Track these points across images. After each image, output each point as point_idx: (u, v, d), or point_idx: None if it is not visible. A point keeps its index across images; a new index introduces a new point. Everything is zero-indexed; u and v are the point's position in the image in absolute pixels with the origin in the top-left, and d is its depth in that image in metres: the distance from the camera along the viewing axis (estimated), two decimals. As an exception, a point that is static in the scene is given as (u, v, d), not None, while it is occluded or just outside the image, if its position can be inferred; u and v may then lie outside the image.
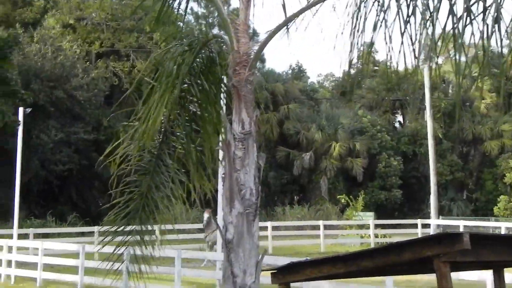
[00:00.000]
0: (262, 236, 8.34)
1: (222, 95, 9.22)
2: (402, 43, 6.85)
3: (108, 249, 10.18)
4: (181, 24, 9.80)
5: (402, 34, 6.83)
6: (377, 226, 38.54)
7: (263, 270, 7.57)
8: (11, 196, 32.00)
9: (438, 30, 6.68)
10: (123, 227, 9.75)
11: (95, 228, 33.47)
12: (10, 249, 25.53)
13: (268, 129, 50.17)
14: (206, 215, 28.67)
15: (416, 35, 6.83)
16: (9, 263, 24.61)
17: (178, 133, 9.31)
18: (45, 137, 43.64)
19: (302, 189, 53.53)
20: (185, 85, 9.02)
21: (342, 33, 7.29)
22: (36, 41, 46.71)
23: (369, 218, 39.16)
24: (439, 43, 6.69)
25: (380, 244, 31.49)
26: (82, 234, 35.95)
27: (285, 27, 8.10)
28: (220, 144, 8.41)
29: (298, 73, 64.91)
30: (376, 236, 37.29)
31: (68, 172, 44.93)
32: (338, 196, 44.22)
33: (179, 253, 19.42)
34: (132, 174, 9.50)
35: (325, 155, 51.79)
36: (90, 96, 46.71)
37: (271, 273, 7.07)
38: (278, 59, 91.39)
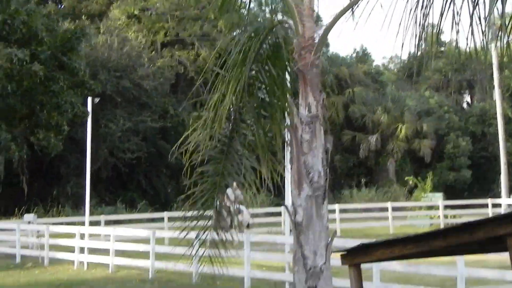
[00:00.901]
0: (330, 219, 8.40)
1: (288, 80, 9.25)
2: (471, 24, 6.77)
3: (178, 234, 10.35)
4: (245, 11, 9.84)
5: (471, 15, 6.75)
6: (446, 207, 38.14)
7: (333, 252, 7.61)
8: (82, 184, 32.64)
9: (508, 9, 6.60)
10: (194, 212, 9.88)
11: (165, 214, 33.95)
12: (82, 236, 26.05)
13: (333, 112, 50.00)
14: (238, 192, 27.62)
15: (484, 14, 6.76)
16: (81, 249, 25.13)
17: (247, 120, 9.36)
18: (113, 126, 44.32)
19: (369, 172, 53.24)
20: (253, 72, 9.08)
21: (409, 13, 7.26)
22: (102, 32, 47.39)
23: (438, 199, 38.74)
24: (507, 21, 6.61)
25: (450, 225, 31.09)
26: (152, 220, 36.47)
27: (350, 10, 8.09)
28: (287, 128, 8.45)
29: (363, 56, 64.41)
30: (445, 217, 36.91)
31: (136, 160, 45.57)
32: (406, 178, 43.86)
33: (248, 236, 19.60)
34: (203, 164, 9.59)
35: (391, 137, 51.42)
36: (156, 85, 47.19)
37: (341, 255, 7.11)
38: (342, 43, 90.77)
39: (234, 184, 28.89)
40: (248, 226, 26.18)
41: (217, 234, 9.84)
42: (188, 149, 9.11)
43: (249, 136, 9.29)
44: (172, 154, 9.63)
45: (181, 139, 9.09)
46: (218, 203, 9.67)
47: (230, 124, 9.45)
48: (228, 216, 26.69)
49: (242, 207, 27.48)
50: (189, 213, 9.91)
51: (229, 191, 27.43)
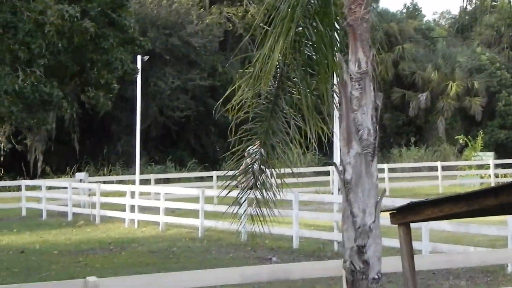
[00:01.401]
0: (379, 178, 8.36)
1: (336, 37, 9.09)
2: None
3: (226, 193, 10.34)
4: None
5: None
6: (497, 166, 37.68)
7: (382, 211, 7.51)
8: (132, 143, 32.93)
9: None
10: (240, 172, 9.85)
11: (214, 173, 34.11)
12: (133, 194, 26.31)
13: (382, 70, 49.47)
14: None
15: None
16: (132, 207, 25.38)
17: (293, 78, 9.26)
18: (162, 84, 44.54)
19: (419, 130, 52.77)
20: (300, 28, 8.94)
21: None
22: (151, -11, 47.41)
23: (489, 158, 38.25)
24: None
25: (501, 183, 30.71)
26: (201, 178, 36.74)
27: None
28: (336, 85, 8.33)
29: (413, 11, 63.44)
30: (496, 176, 36.48)
31: (185, 118, 45.81)
32: (456, 137, 43.37)
33: (296, 196, 19.56)
34: (249, 121, 9.55)
35: (441, 95, 50.76)
36: (205, 42, 47.18)
37: (390, 214, 7.00)
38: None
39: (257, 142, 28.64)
40: None
41: (260, 193, 9.80)
42: (233, 106, 9.06)
43: (294, 95, 9.18)
44: (217, 111, 9.58)
45: (225, 95, 9.04)
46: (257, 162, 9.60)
47: (276, 82, 9.36)
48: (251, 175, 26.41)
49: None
50: (233, 172, 9.89)
51: (250, 149, 27.32)
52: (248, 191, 9.88)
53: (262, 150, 25.05)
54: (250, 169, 9.85)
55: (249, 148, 25.00)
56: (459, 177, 37.17)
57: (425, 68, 51.47)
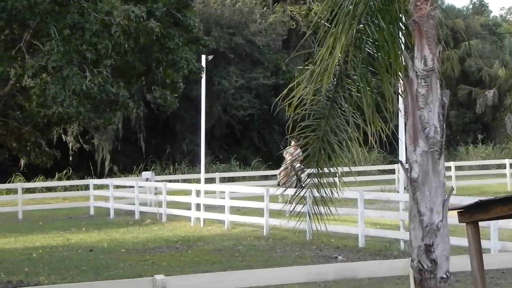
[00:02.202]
0: (446, 176, 8.26)
1: (399, 35, 9.02)
2: None
3: (291, 191, 10.34)
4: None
5: None
6: None
7: (449, 210, 7.43)
8: (197, 142, 33.18)
9: None
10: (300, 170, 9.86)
11: (278, 171, 34.08)
12: (198, 193, 26.51)
13: (448, 66, 48.82)
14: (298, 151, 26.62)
15: None
16: (198, 206, 25.58)
17: (353, 75, 9.22)
18: (226, 83, 44.75)
19: (486, 128, 51.92)
20: (361, 25, 8.90)
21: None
22: (215, -11, 47.69)
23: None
24: None
25: None
26: (265, 177, 36.81)
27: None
28: (400, 83, 8.26)
29: (480, 7, 62.44)
30: None
31: (249, 117, 45.93)
32: (524, 134, 42.57)
33: (361, 194, 19.44)
34: (309, 118, 9.53)
35: (509, 92, 49.87)
36: (268, 41, 47.24)
37: (458, 212, 6.93)
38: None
39: (293, 142, 28.30)
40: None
41: (318, 191, 9.78)
42: (293, 102, 9.07)
43: (354, 92, 9.14)
44: (277, 107, 9.61)
45: (285, 91, 9.06)
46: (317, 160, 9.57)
47: (335, 79, 9.33)
48: (294, 174, 26.20)
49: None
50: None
51: (290, 150, 27.15)
52: (306, 188, 9.87)
53: (299, 150, 24.82)
54: (302, 170, 9.83)
55: (289, 148, 24.70)
56: (528, 175, 36.45)
57: (492, 65, 50.64)
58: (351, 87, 9.24)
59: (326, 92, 9.23)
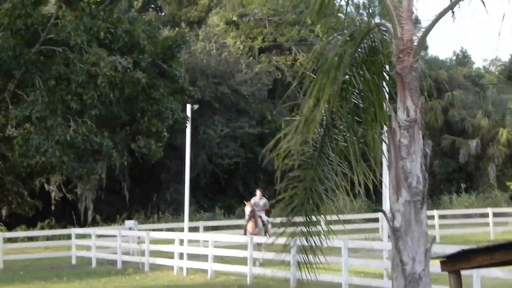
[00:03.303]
0: (429, 225, 8.28)
1: (383, 85, 9.14)
2: None
3: (274, 240, 10.35)
4: (342, 15, 9.78)
5: None
6: (551, 213, 36.99)
7: (432, 259, 7.49)
8: (182, 191, 33.11)
9: None
10: (288, 219, 9.88)
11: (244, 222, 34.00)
12: (181, 241, 26.38)
13: (432, 117, 49.14)
14: (248, 209, 26.44)
15: None
16: (181, 255, 25.43)
17: (340, 125, 9.31)
18: (211, 132, 44.82)
19: (469, 177, 52.12)
20: (347, 76, 9.02)
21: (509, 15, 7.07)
22: (201, 39, 48.03)
23: (542, 205, 37.61)
24: None
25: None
26: (250, 226, 36.61)
27: (450, 11, 7.92)
28: (385, 133, 8.36)
29: (463, 58, 63.19)
30: (550, 223, 35.81)
31: (234, 166, 45.92)
32: (507, 183, 42.74)
33: (345, 243, 19.46)
34: (295, 169, 9.59)
35: (492, 142, 50.20)
36: (254, 90, 47.48)
37: (441, 261, 6.99)
38: (441, 45, 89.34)
39: (258, 192, 28.13)
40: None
41: (307, 240, 9.81)
42: (280, 153, 9.12)
43: (340, 142, 9.22)
44: (263, 158, 9.66)
45: (272, 142, 9.10)
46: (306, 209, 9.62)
47: (322, 130, 9.40)
48: (262, 225, 25.94)
49: (269, 219, 27.44)
50: (280, 219, 9.94)
51: (254, 199, 27.25)
52: (297, 238, 9.89)
53: (264, 200, 24.89)
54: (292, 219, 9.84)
55: (252, 198, 24.86)
56: (510, 224, 36.55)
57: (475, 115, 51.04)
58: (338, 137, 9.31)
59: (313, 142, 9.30)
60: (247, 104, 47.17)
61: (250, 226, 26.38)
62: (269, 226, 26.66)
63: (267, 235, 25.68)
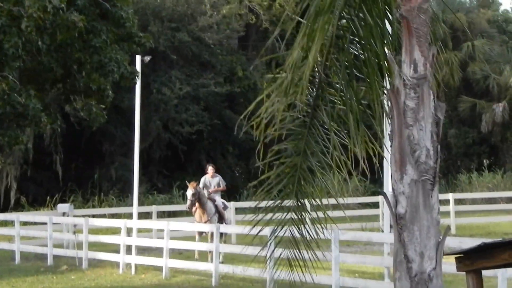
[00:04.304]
0: (442, 212, 8.22)
1: (389, 32, 9.10)
2: None
3: (248, 230, 10.32)
4: None
5: None
6: None
7: (445, 255, 7.49)
8: (129, 166, 33.01)
9: None
10: (272, 205, 9.85)
11: (231, 204, 34.06)
12: (129, 231, 26.35)
13: (446, 73, 49.30)
14: (190, 192, 25.99)
15: None
16: (128, 248, 25.42)
17: (336, 83, 9.27)
18: (167, 92, 44.70)
19: (493, 151, 52.49)
20: (343, 20, 8.97)
21: None
22: (153, -28, 47.71)
23: None
24: None
25: None
26: (216, 211, 36.70)
27: None
28: (386, 93, 8.33)
29: (486, -1, 63.32)
30: None
31: (196, 135, 45.88)
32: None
33: (336, 234, 19.49)
34: (282, 140, 9.55)
35: (523, 105, 50.56)
36: (221, 38, 47.35)
37: (456, 258, 6.99)
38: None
39: (210, 168, 27.95)
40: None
41: (298, 230, 9.80)
42: (261, 121, 9.05)
43: (338, 105, 9.18)
44: (240, 127, 9.58)
45: (251, 107, 9.02)
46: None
47: (314, 90, 9.36)
48: (216, 213, 25.85)
49: (226, 202, 27.41)
50: (263, 203, 9.89)
51: (205, 178, 27.20)
52: (279, 227, 9.88)
53: (218, 178, 25.09)
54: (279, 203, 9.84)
55: (203, 177, 24.84)
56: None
57: (501, 71, 51.26)
58: (335, 99, 9.26)
59: (303, 106, 9.25)
60: (212, 56, 47.04)
61: (197, 214, 26.21)
62: (226, 212, 26.53)
63: (224, 223, 25.59)
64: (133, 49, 28.80)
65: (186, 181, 26.94)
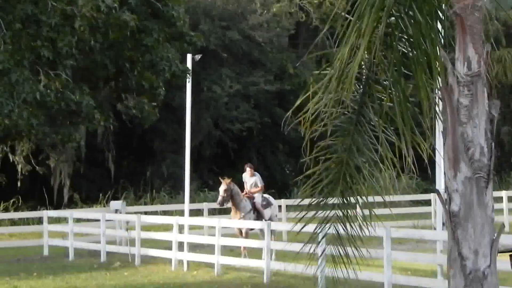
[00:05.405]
0: (496, 209, 8.23)
1: (439, 29, 9.05)
2: None
3: (298, 227, 10.31)
4: None
5: None
6: None
7: (499, 252, 7.45)
8: (181, 163, 33.12)
9: None
10: (317, 201, 9.84)
11: (282, 202, 34.05)
12: (181, 228, 26.42)
13: (500, 70, 48.83)
14: (222, 187, 25.87)
15: None
16: (180, 245, 25.49)
17: (383, 81, 9.25)
18: (218, 90, 44.77)
19: (549, 148, 52.01)
20: (392, 18, 8.94)
21: None
22: (205, -29, 47.80)
23: None
24: None
25: None
26: (267, 208, 36.68)
27: None
28: (439, 90, 8.28)
29: (539, -5, 62.65)
30: None
31: (247, 132, 45.92)
32: None
33: (388, 231, 19.41)
34: (328, 137, 9.54)
35: None
36: (272, 36, 47.32)
37: (510, 256, 6.95)
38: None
39: (248, 168, 27.61)
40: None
41: (344, 227, 9.79)
42: (307, 117, 9.05)
43: (385, 102, 9.15)
44: (287, 123, 9.59)
45: (297, 103, 9.03)
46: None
47: (361, 86, 9.35)
48: (251, 210, 25.56)
49: (271, 199, 27.15)
50: (308, 200, 9.89)
51: (243, 177, 27.03)
52: (327, 225, 9.87)
53: (257, 177, 24.90)
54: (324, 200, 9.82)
55: (243, 174, 24.45)
56: None
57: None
58: (382, 96, 9.24)
59: (350, 103, 9.24)
60: (262, 54, 47.03)
61: (232, 211, 26.16)
62: (271, 209, 26.21)
63: (264, 221, 25.36)
64: (184, 48, 28.89)
65: (220, 177, 26.95)
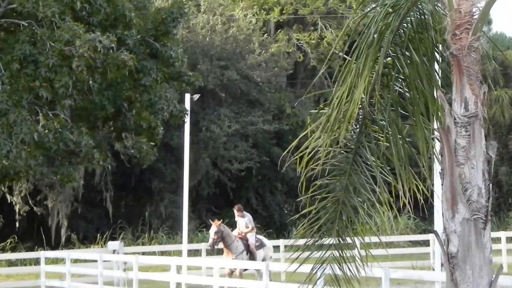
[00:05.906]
0: (494, 250, 8.18)
1: (436, 70, 9.08)
2: None
3: (298, 268, 10.29)
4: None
5: None
6: None
7: (498, 294, 7.42)
8: (179, 203, 33.07)
9: None
10: (313, 241, 9.82)
11: (281, 242, 33.96)
12: (179, 269, 26.34)
13: (497, 111, 48.94)
14: (213, 230, 25.64)
15: None
16: (178, 286, 25.42)
17: (380, 120, 9.26)
18: (216, 129, 44.79)
19: (547, 188, 52.00)
20: (389, 58, 8.97)
21: None
22: (203, 11, 47.96)
23: None
24: None
25: None
26: (265, 249, 36.60)
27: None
28: (436, 132, 8.29)
29: (536, 35, 62.98)
30: None
31: (245, 172, 45.87)
32: None
33: (386, 272, 19.34)
34: (324, 175, 9.54)
35: None
36: (270, 76, 47.46)
37: (510, 298, 6.92)
38: (508, 20, 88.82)
39: (235, 211, 27.19)
40: None
41: (340, 267, 9.76)
42: (304, 156, 9.07)
43: (381, 142, 9.16)
44: (284, 162, 9.60)
45: (294, 142, 9.05)
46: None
47: (358, 126, 9.36)
48: (243, 251, 25.28)
49: (265, 240, 27.04)
50: (304, 240, 9.88)
51: (236, 218, 26.91)
52: (324, 265, 9.84)
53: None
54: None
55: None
56: None
57: (554, 108, 50.82)
58: (379, 136, 9.25)
59: (346, 142, 9.24)
60: (260, 93, 47.13)
61: (224, 252, 26.03)
62: (264, 250, 26.03)
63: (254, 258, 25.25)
64: (182, 88, 28.96)
65: (210, 220, 26.82)
